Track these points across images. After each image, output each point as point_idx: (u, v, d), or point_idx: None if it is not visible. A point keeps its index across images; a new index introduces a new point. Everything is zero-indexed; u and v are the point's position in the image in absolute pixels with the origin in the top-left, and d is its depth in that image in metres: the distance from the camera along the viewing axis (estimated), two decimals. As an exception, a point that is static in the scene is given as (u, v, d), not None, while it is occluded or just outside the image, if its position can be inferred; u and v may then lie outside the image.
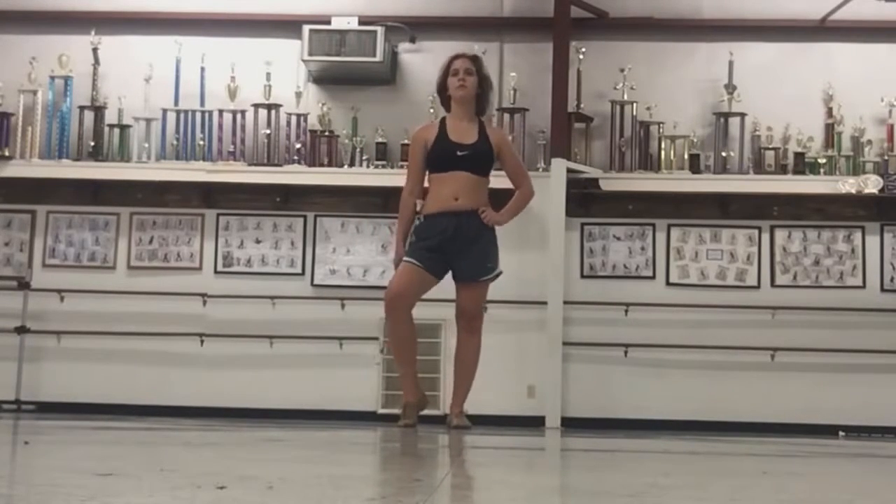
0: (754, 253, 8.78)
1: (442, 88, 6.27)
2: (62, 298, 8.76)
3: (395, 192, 8.67)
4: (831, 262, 8.74)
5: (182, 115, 9.03)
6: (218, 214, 8.89)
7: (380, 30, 8.79)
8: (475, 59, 6.33)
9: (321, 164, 8.92)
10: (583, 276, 8.77)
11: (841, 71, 8.95)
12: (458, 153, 6.08)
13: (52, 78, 9.05)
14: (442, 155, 6.13)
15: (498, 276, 6.29)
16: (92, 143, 8.98)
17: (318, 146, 8.96)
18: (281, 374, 8.66)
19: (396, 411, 8.43)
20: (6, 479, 2.74)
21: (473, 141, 6.14)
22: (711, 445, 5.86)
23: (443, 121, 6.28)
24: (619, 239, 8.81)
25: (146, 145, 9.00)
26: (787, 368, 8.56)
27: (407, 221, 6.21)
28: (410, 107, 8.96)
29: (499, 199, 6.45)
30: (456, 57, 6.30)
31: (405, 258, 6.13)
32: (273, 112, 8.98)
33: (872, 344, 8.50)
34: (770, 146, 8.92)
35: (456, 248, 6.10)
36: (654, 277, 8.78)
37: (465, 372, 6.31)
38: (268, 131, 8.95)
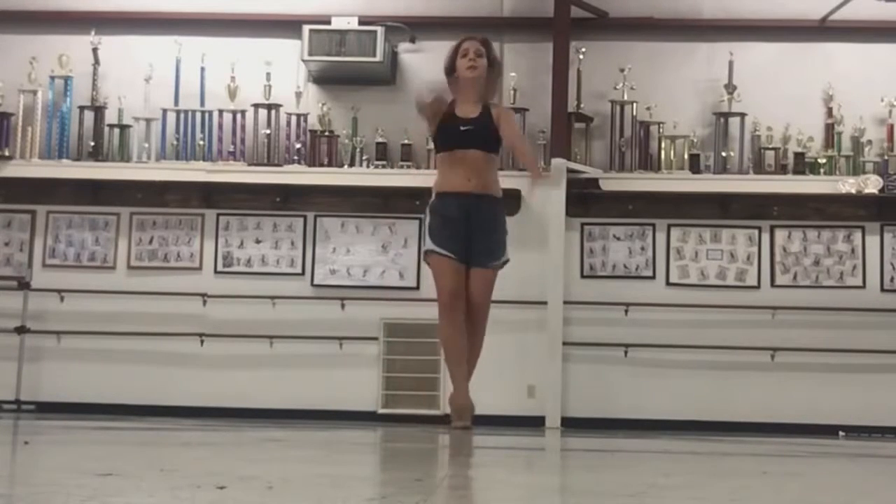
0: (754, 253, 8.77)
1: (450, 69, 6.22)
2: (62, 298, 8.75)
3: (395, 192, 8.74)
4: (831, 262, 8.74)
5: (182, 115, 9.03)
6: (218, 214, 8.88)
7: (380, 30, 8.79)
8: (485, 42, 6.25)
9: (321, 164, 8.92)
10: (583, 276, 8.77)
11: (841, 71, 8.94)
12: (462, 128, 6.03)
13: (52, 78, 9.04)
14: (447, 131, 6.08)
15: (506, 262, 6.25)
16: (92, 143, 8.98)
17: (318, 146, 8.95)
18: (281, 374, 8.66)
19: (396, 412, 8.46)
20: (6, 479, 2.74)
21: (476, 116, 6.09)
22: (711, 445, 5.86)
23: (451, 102, 6.23)
24: (619, 239, 8.81)
25: (146, 145, 9.00)
26: (787, 368, 8.56)
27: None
28: (410, 107, 8.83)
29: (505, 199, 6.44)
30: (466, 38, 6.23)
31: (436, 248, 5.99)
32: (273, 112, 8.98)
33: (872, 344, 8.50)
34: (770, 146, 8.92)
35: (470, 231, 6.03)
36: (654, 277, 8.78)
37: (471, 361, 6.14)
38: (268, 131, 8.95)
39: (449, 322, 6.02)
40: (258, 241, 8.86)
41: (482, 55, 6.14)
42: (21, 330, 8.63)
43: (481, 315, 6.11)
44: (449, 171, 6.06)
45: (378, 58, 8.75)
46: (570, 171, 8.66)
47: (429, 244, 6.04)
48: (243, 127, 8.99)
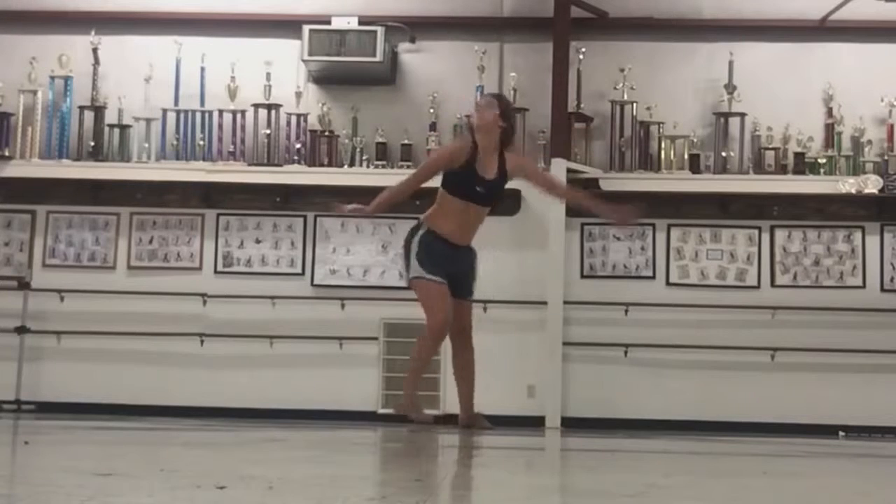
0: (754, 253, 8.77)
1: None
2: (62, 298, 8.75)
3: (395, 192, 8.72)
4: (831, 262, 8.74)
5: (182, 115, 9.03)
6: (218, 214, 8.88)
7: (380, 30, 8.79)
8: (499, 97, 6.76)
9: (321, 164, 8.92)
10: (583, 276, 8.77)
11: (841, 71, 8.94)
12: (477, 188, 6.26)
13: (52, 78, 9.04)
14: (462, 184, 6.29)
15: None
16: (92, 143, 8.98)
17: (318, 146, 8.95)
18: (281, 374, 8.66)
19: (396, 411, 8.45)
20: (6, 479, 2.74)
21: (493, 178, 6.29)
22: (711, 445, 5.87)
23: (475, 146, 6.35)
24: (619, 239, 8.81)
25: (146, 145, 9.00)
26: (787, 368, 8.55)
27: (396, 196, 6.45)
28: (410, 107, 8.96)
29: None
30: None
31: (428, 275, 6.24)
32: (273, 112, 8.98)
33: (872, 344, 8.50)
34: (770, 146, 8.92)
35: (455, 271, 6.35)
36: (654, 277, 8.78)
37: (471, 382, 6.57)
38: (268, 131, 8.95)
39: (436, 345, 6.49)
40: (258, 241, 8.86)
41: (493, 106, 6.41)
42: (21, 330, 8.63)
43: (471, 335, 6.54)
44: (450, 216, 6.36)
45: (378, 58, 8.75)
46: (570, 171, 8.66)
47: (418, 271, 6.32)
48: (243, 127, 8.99)
